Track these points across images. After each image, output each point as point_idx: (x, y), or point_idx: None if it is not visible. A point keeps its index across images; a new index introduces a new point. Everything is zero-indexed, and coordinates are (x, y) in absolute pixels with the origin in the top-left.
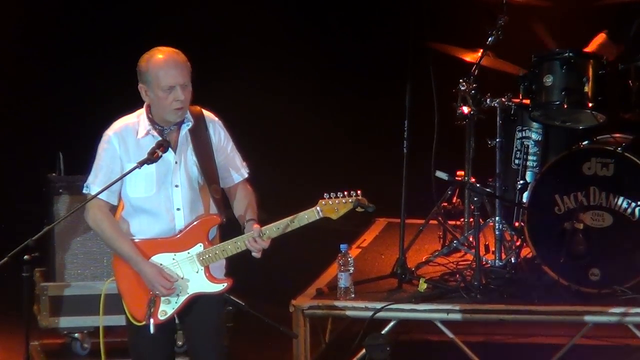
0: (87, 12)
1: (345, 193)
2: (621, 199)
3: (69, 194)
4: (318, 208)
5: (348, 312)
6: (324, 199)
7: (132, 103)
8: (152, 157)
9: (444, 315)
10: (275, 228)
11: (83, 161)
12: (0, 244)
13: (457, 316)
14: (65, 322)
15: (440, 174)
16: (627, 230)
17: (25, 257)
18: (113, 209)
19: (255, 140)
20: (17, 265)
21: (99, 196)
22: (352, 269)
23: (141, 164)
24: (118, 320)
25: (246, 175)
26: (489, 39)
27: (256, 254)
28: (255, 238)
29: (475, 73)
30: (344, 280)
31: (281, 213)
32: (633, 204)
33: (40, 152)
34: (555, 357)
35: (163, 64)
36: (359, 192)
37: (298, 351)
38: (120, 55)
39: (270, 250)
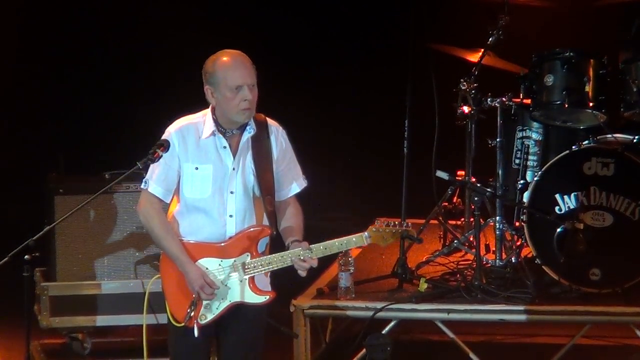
0: (88, 13)
1: (396, 222)
2: (621, 198)
3: (69, 194)
4: (367, 234)
5: (348, 312)
6: (374, 225)
7: (130, 103)
8: (153, 157)
9: (444, 315)
10: (323, 247)
11: (83, 161)
12: (1, 244)
13: (458, 316)
14: (66, 322)
15: (440, 174)
16: (628, 230)
17: (26, 257)
18: (165, 206)
19: None
20: (18, 265)
21: (154, 192)
22: (353, 268)
23: (142, 163)
24: (118, 320)
25: (301, 188)
26: (490, 39)
27: (302, 272)
28: (304, 257)
29: (476, 73)
30: (344, 280)
31: None
32: (633, 204)
33: (40, 152)
34: (556, 357)
35: (231, 64)
36: (409, 222)
37: (298, 351)
38: (120, 56)
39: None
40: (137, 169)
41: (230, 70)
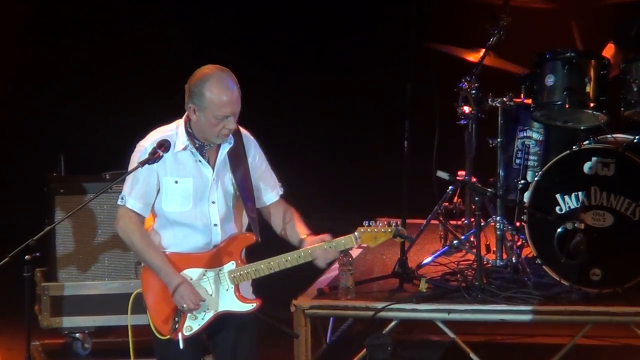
0: (88, 13)
1: (385, 222)
2: (622, 198)
3: (69, 194)
4: (356, 234)
5: (349, 312)
6: (363, 226)
7: (131, 103)
8: (154, 157)
9: (445, 315)
10: (310, 252)
11: (83, 161)
12: (1, 244)
13: (459, 316)
14: (66, 322)
15: (441, 174)
16: (628, 230)
17: (26, 257)
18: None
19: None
20: (18, 265)
21: (133, 208)
22: (353, 268)
23: (142, 164)
24: (118, 320)
25: (279, 195)
26: (491, 39)
27: (322, 264)
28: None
29: (477, 73)
30: (345, 280)
31: None
32: (634, 204)
33: (40, 152)
34: (556, 357)
35: (221, 92)
36: (398, 221)
37: (299, 351)
38: (120, 56)
39: (271, 250)
40: (137, 168)
41: (221, 99)
